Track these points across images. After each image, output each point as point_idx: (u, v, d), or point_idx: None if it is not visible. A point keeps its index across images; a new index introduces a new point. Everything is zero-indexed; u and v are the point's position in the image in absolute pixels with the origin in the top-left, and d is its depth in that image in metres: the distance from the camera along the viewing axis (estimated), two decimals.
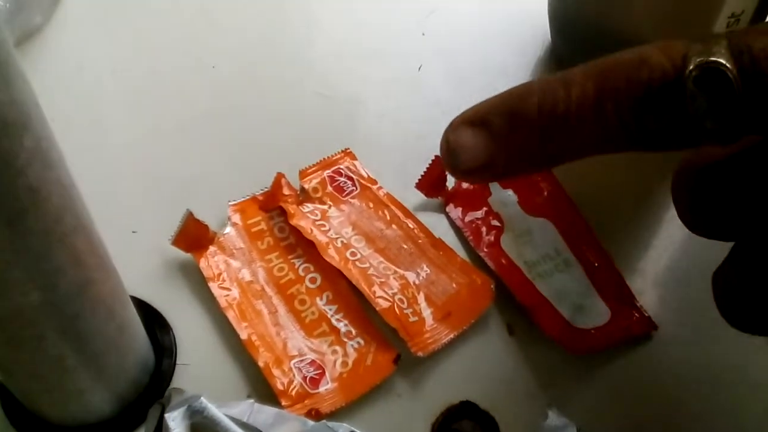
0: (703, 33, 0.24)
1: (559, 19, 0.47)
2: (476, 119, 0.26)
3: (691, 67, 0.22)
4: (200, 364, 0.37)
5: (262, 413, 0.31)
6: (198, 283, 0.39)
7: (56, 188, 0.25)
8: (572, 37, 0.46)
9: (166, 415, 0.28)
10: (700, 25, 0.40)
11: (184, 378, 0.37)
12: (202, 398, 0.29)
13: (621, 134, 0.24)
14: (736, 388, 0.37)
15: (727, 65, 0.22)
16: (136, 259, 0.40)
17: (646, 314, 0.38)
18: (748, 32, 0.22)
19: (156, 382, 0.36)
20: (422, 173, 0.42)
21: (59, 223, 0.25)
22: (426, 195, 0.43)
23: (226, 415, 0.29)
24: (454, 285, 0.39)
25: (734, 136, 0.23)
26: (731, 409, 0.36)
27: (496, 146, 0.26)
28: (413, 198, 0.43)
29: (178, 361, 0.37)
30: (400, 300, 0.38)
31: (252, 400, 0.31)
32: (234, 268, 0.39)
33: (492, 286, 0.39)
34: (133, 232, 0.42)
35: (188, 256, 0.40)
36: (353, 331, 0.38)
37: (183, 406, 0.29)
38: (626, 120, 0.23)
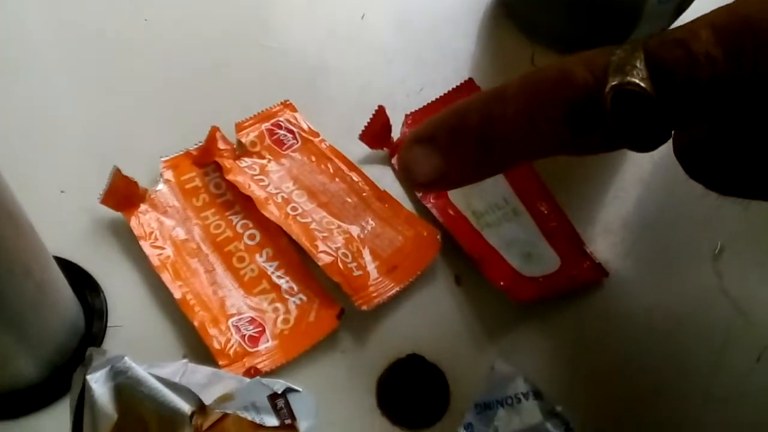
0: (624, 42, 0.24)
1: None
2: (425, 136, 0.28)
3: (607, 89, 0.23)
4: (133, 326, 0.35)
5: (196, 373, 0.30)
6: (130, 243, 0.37)
7: None
8: None
9: (88, 377, 0.27)
10: None
11: (116, 340, 0.35)
12: (125, 358, 0.27)
13: (555, 143, 0.26)
14: (686, 335, 0.36)
15: (642, 84, 0.23)
16: (64, 219, 0.38)
17: (597, 261, 0.37)
18: (662, 43, 0.23)
19: (86, 346, 0.34)
20: (366, 124, 0.41)
21: None
22: (370, 146, 0.41)
23: (156, 376, 0.27)
24: (399, 237, 0.38)
25: (655, 144, 0.24)
26: (681, 356, 0.36)
27: (445, 160, 0.28)
28: (358, 150, 0.41)
29: (109, 323, 0.35)
30: (344, 254, 0.36)
31: (185, 360, 0.30)
32: (167, 227, 0.37)
33: (438, 237, 0.37)
34: (62, 191, 0.39)
35: (118, 215, 0.37)
36: (295, 288, 0.36)
37: (105, 366, 0.27)
38: (558, 132, 0.25)
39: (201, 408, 0.27)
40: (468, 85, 0.43)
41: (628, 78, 0.23)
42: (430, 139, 0.28)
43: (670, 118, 0.23)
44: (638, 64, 0.23)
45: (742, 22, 0.22)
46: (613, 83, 0.23)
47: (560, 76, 0.25)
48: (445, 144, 0.28)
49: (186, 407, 0.26)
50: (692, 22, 0.23)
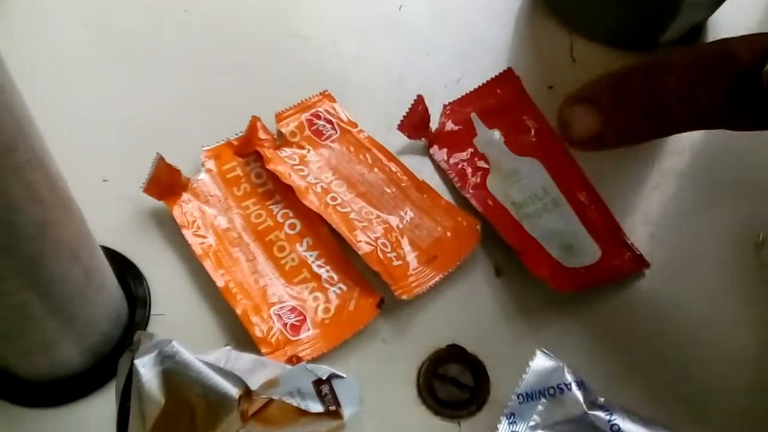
0: None
1: None
2: (588, 96, 0.30)
3: (766, 68, 0.26)
4: (176, 314, 0.36)
5: (240, 360, 0.30)
6: (172, 232, 0.38)
7: (6, 114, 0.23)
8: None
9: (136, 362, 0.27)
10: None
11: (159, 328, 0.35)
12: (173, 342, 0.27)
13: (712, 116, 0.28)
14: (728, 326, 0.36)
15: None
16: (107, 208, 0.38)
17: (638, 252, 0.37)
18: None
19: (129, 334, 0.35)
20: (404, 114, 0.41)
21: (12, 152, 0.23)
22: (409, 137, 0.41)
23: (204, 361, 0.28)
24: (439, 228, 0.38)
25: None
26: (722, 347, 0.35)
27: (605, 120, 0.30)
28: (396, 141, 0.41)
29: (153, 312, 0.36)
30: (384, 244, 0.36)
31: (229, 347, 0.30)
32: (209, 216, 0.38)
33: (478, 228, 0.37)
34: (104, 180, 0.40)
35: (161, 204, 0.38)
36: (335, 277, 0.36)
37: (153, 351, 0.27)
38: (717, 105, 0.27)
39: (247, 393, 0.27)
40: (507, 75, 0.42)
41: None
42: (592, 99, 0.30)
43: None
44: None
45: None
46: None
47: (724, 53, 0.27)
48: (607, 105, 0.30)
49: (234, 391, 0.26)
50: None
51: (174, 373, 0.27)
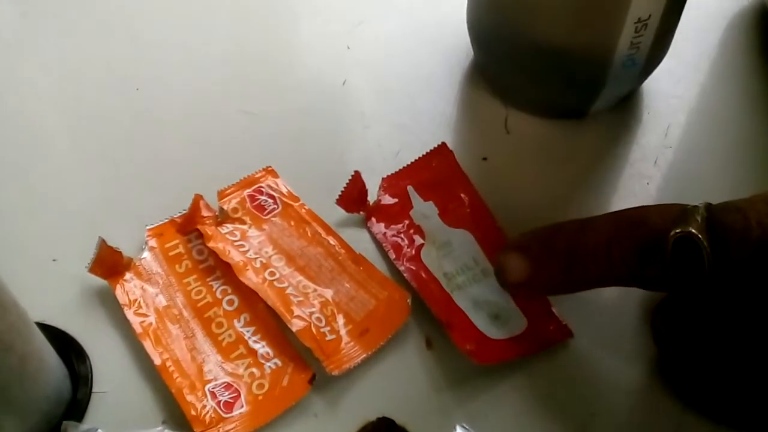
0: (699, 204, 0.31)
1: (476, 30, 0.47)
2: (520, 245, 0.36)
3: (672, 233, 0.29)
4: (117, 392, 0.37)
5: None
6: (116, 310, 0.39)
7: None
8: (489, 48, 0.47)
9: None
10: (607, 31, 0.40)
11: (100, 406, 0.36)
12: (99, 430, 0.29)
13: (623, 272, 0.31)
14: (651, 396, 0.37)
15: (699, 235, 0.29)
16: (55, 287, 0.40)
17: (563, 322, 0.38)
18: (725, 208, 0.30)
19: (71, 412, 0.36)
20: (341, 187, 0.42)
21: None
22: (346, 210, 0.43)
23: None
24: (373, 301, 0.39)
25: (699, 284, 0.30)
26: (646, 418, 0.36)
27: (534, 269, 0.35)
28: (337, 213, 0.43)
29: (95, 389, 0.37)
30: (318, 319, 0.38)
31: (161, 427, 0.31)
32: (150, 294, 0.39)
33: (408, 301, 0.39)
34: (53, 260, 0.41)
35: (106, 283, 0.39)
36: (270, 353, 0.38)
37: None
38: (630, 264, 0.31)
39: None
40: (441, 149, 0.44)
41: (690, 228, 0.29)
42: (524, 248, 0.35)
43: (718, 265, 0.29)
44: (699, 219, 0.29)
45: None
46: (677, 230, 0.29)
47: (640, 217, 0.31)
48: (535, 255, 0.35)
49: None
50: (754, 195, 0.30)
51: None
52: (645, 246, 0.30)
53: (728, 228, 0.29)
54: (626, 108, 0.48)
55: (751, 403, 0.33)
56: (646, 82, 0.48)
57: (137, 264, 0.40)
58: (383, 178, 0.44)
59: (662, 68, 0.46)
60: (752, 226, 0.28)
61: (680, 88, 0.50)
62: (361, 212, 0.43)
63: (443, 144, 0.44)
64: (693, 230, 0.29)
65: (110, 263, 0.39)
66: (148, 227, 0.41)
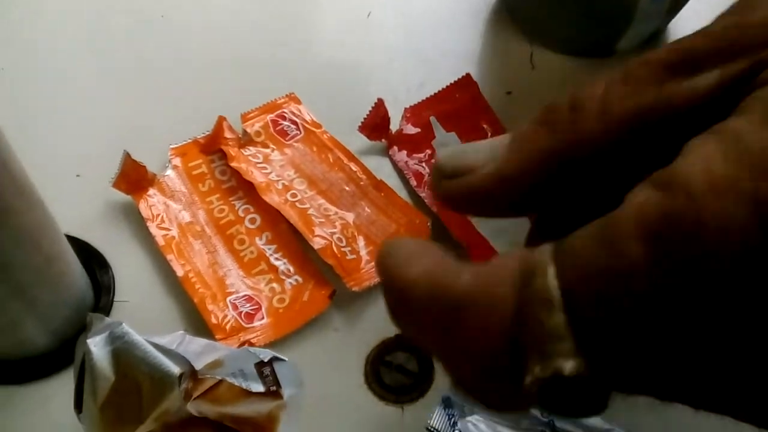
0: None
1: None
2: None
3: (527, 380, 0.15)
4: (138, 301, 0.37)
5: (192, 344, 0.32)
6: (139, 224, 0.39)
7: None
8: None
9: (88, 341, 0.29)
10: None
11: (122, 314, 0.37)
12: (123, 324, 0.29)
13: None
14: None
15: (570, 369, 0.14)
16: (80, 201, 0.40)
17: None
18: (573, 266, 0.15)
19: None
20: (364, 117, 0.42)
21: None
22: (368, 137, 0.43)
23: (152, 342, 0.29)
24: (393, 225, 0.40)
25: (596, 411, 0.15)
26: None
27: None
28: (358, 141, 0.43)
29: (116, 299, 0.37)
30: (339, 239, 0.38)
31: (182, 331, 0.32)
32: (173, 210, 0.39)
33: (429, 225, 0.39)
34: (77, 175, 0.42)
35: (129, 198, 0.40)
36: (291, 269, 0.38)
37: (105, 332, 0.29)
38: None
39: (192, 373, 0.29)
40: (465, 80, 0.44)
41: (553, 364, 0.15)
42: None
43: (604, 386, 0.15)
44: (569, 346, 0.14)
45: None
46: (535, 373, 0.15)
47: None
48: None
49: (176, 370, 0.28)
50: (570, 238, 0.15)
51: (123, 353, 0.29)
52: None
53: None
54: (652, 48, 0.48)
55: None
56: (673, 22, 0.47)
57: (161, 180, 0.40)
58: (406, 108, 0.44)
59: (689, 8, 0.45)
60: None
61: None
62: (383, 140, 0.43)
63: (467, 75, 0.44)
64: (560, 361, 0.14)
65: (134, 177, 0.39)
66: (171, 146, 0.41)
